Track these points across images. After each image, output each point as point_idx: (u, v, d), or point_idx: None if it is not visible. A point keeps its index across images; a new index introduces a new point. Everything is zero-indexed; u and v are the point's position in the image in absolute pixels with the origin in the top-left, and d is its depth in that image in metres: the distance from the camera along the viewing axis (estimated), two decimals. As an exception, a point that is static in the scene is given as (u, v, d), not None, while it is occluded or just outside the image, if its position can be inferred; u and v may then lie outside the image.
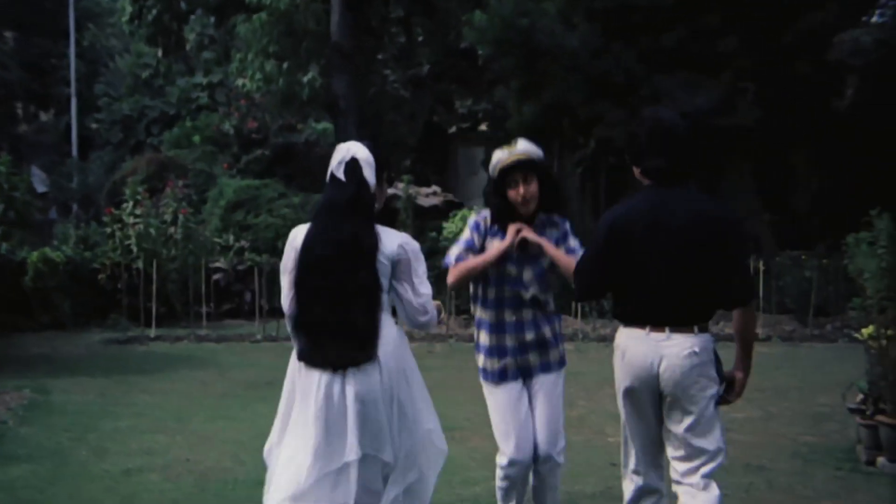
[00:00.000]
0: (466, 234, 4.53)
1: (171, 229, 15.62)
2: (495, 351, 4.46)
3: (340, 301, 3.69)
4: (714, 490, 3.77)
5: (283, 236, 17.71)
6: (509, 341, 4.44)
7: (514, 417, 4.40)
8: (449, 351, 11.90)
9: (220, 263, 15.91)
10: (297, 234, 3.87)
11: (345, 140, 4.07)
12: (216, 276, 15.48)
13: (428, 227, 15.65)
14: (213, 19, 24.68)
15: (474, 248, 4.46)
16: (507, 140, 4.62)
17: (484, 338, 4.51)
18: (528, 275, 4.43)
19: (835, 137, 16.81)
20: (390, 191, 6.75)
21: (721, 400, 3.88)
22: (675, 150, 3.89)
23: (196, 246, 15.86)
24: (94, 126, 30.26)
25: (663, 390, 3.77)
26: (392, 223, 5.69)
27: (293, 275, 3.82)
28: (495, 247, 4.37)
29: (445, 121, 25.93)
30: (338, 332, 3.70)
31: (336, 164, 3.84)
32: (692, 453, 3.80)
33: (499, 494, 4.53)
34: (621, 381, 3.87)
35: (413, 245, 3.87)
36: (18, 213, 12.63)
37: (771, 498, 5.58)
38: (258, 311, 13.94)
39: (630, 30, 16.32)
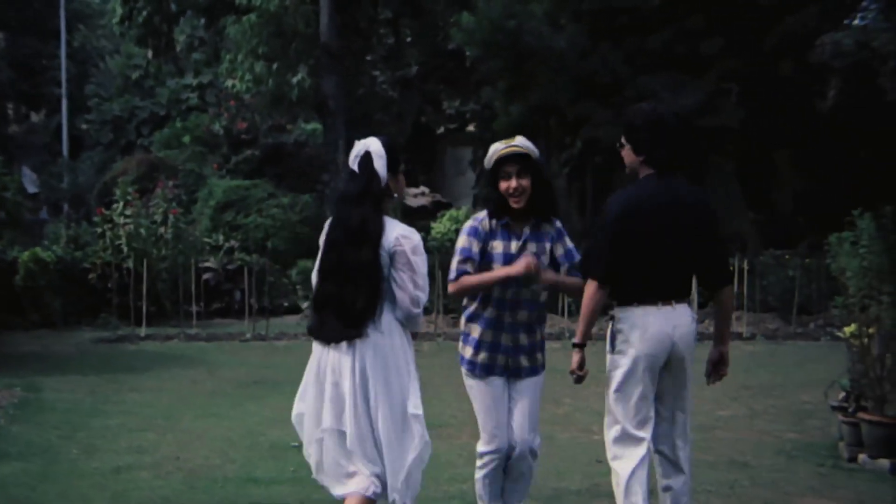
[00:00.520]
0: (464, 243, 4.53)
1: (162, 229, 15.67)
2: (487, 346, 4.53)
3: (346, 279, 3.97)
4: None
5: (273, 236, 17.68)
6: (504, 340, 4.52)
7: (497, 411, 4.51)
8: (436, 349, 11.93)
9: (210, 263, 15.96)
10: (328, 223, 4.19)
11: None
12: (206, 276, 15.53)
13: (416, 228, 15.68)
14: (202, 21, 24.68)
15: (473, 258, 4.47)
16: (494, 140, 4.72)
17: (477, 331, 4.56)
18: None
19: (818, 138, 16.96)
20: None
21: (719, 377, 4.41)
22: (675, 142, 4.29)
23: (186, 246, 15.91)
24: (84, 126, 30.17)
25: (675, 354, 4.21)
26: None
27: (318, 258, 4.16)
28: (503, 270, 4.41)
29: (433, 121, 25.96)
30: (339, 308, 3.97)
31: (353, 157, 4.11)
32: (682, 407, 4.30)
33: (479, 486, 4.60)
34: (641, 351, 4.19)
35: (413, 239, 4.04)
36: (9, 213, 12.65)
37: (754, 494, 5.62)
38: (247, 310, 13.94)
39: (616, 31, 16.44)
